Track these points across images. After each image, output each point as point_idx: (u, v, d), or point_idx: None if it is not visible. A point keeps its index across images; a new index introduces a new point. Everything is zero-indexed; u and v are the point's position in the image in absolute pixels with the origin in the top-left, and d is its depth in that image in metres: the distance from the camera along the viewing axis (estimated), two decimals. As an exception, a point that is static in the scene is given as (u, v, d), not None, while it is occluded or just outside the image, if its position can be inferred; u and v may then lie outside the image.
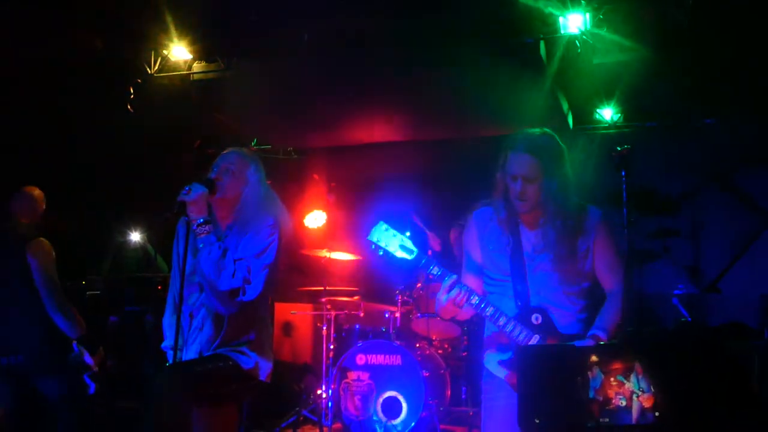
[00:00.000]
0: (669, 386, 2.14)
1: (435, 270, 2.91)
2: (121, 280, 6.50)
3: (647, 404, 2.14)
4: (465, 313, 3.00)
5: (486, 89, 6.36)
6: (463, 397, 6.20)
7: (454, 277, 2.89)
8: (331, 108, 7.09)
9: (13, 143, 6.24)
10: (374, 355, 5.55)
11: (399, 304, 6.08)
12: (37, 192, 4.32)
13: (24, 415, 4.04)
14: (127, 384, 5.44)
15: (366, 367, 5.53)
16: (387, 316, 6.06)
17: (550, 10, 5.56)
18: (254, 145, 8.59)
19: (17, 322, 4.01)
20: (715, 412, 2.16)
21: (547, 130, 2.99)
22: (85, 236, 6.96)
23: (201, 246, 3.16)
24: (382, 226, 3.00)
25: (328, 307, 5.97)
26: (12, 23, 5.63)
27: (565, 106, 7.18)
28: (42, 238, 4.13)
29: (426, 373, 5.48)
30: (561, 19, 5.65)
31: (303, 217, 7.75)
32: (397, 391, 5.44)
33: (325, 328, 5.86)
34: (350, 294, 6.76)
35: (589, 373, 2.17)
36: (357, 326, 6.17)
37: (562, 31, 5.71)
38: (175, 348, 3.24)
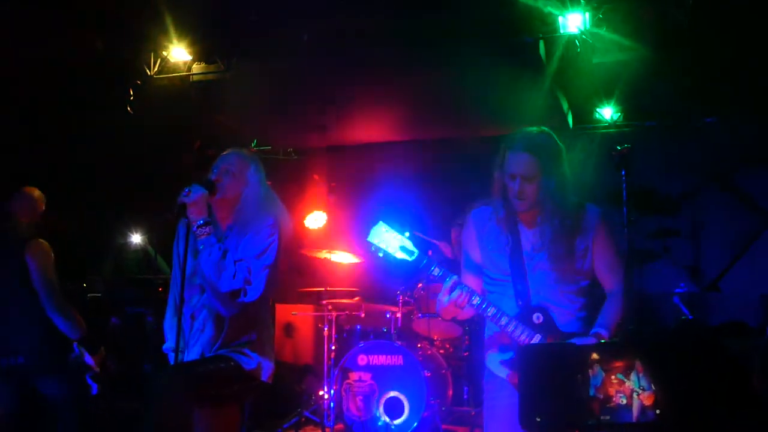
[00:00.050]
0: (669, 384, 2.14)
1: (436, 271, 2.91)
2: (122, 281, 6.51)
3: (648, 402, 2.14)
4: (466, 313, 3.00)
5: (486, 89, 6.37)
6: (465, 396, 6.20)
7: (455, 278, 2.88)
8: (331, 108, 7.09)
9: (13, 143, 6.24)
10: (376, 356, 5.54)
11: (400, 304, 6.07)
12: (37, 193, 4.32)
13: (24, 415, 4.04)
14: (127, 385, 5.44)
15: (368, 368, 5.53)
16: (388, 316, 6.05)
17: (549, 9, 5.56)
18: (254, 146, 8.60)
19: (17, 322, 4.01)
20: (715, 410, 2.16)
21: (545, 128, 2.98)
22: (85, 236, 6.95)
23: (201, 247, 3.15)
24: (382, 227, 2.98)
25: (329, 307, 5.96)
26: (12, 23, 5.63)
27: (565, 105, 7.18)
28: (41, 240, 4.12)
29: (428, 373, 5.48)
30: (560, 19, 5.65)
31: (303, 217, 7.75)
32: (399, 391, 5.44)
33: (326, 328, 5.85)
34: (351, 295, 6.76)
35: (589, 371, 2.17)
36: (358, 327, 6.17)
37: (562, 31, 5.71)
38: (176, 350, 3.24)
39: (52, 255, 4.13)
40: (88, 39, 6.06)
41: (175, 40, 6.39)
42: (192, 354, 3.29)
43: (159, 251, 7.09)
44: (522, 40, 5.82)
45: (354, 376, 5.52)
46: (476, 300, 2.86)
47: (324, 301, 6.01)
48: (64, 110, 6.58)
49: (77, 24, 5.91)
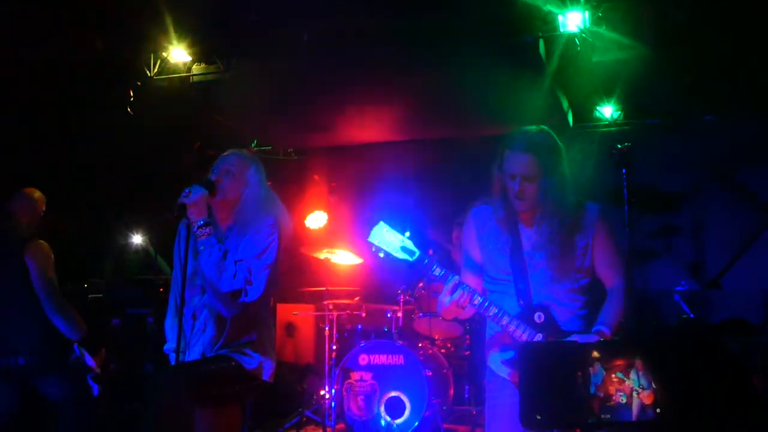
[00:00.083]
0: (669, 383, 2.14)
1: (437, 271, 2.90)
2: (122, 282, 6.51)
3: (647, 401, 2.14)
4: (467, 313, 2.99)
5: (486, 89, 6.37)
6: (466, 396, 6.20)
7: (457, 278, 2.88)
8: (331, 108, 7.10)
9: (13, 143, 6.24)
10: (377, 355, 5.54)
11: (401, 303, 6.07)
12: (37, 194, 4.32)
13: (24, 415, 4.04)
14: (128, 386, 5.44)
15: (369, 367, 5.53)
16: (389, 315, 6.05)
17: (549, 8, 5.56)
18: (254, 146, 8.60)
19: (17, 322, 4.01)
20: (715, 409, 2.16)
21: (544, 127, 2.97)
22: (86, 237, 6.96)
23: (202, 248, 3.16)
24: (383, 227, 2.97)
25: (330, 307, 5.96)
26: (12, 23, 5.63)
27: (565, 104, 7.18)
28: (41, 241, 4.12)
29: (429, 373, 5.48)
30: (560, 18, 5.65)
31: (304, 217, 7.75)
32: (400, 390, 5.43)
33: (327, 328, 5.85)
34: (352, 294, 6.76)
35: (590, 369, 2.17)
36: (359, 326, 6.17)
37: (562, 30, 5.71)
38: (177, 350, 3.24)
39: (52, 255, 4.14)
40: (88, 39, 6.06)
41: (174, 41, 6.39)
42: (193, 354, 3.30)
43: (159, 252, 7.10)
44: (522, 39, 5.81)
45: (355, 375, 5.53)
46: (478, 300, 2.86)
47: (325, 301, 6.01)
48: (64, 110, 6.59)
49: (77, 24, 5.91)
